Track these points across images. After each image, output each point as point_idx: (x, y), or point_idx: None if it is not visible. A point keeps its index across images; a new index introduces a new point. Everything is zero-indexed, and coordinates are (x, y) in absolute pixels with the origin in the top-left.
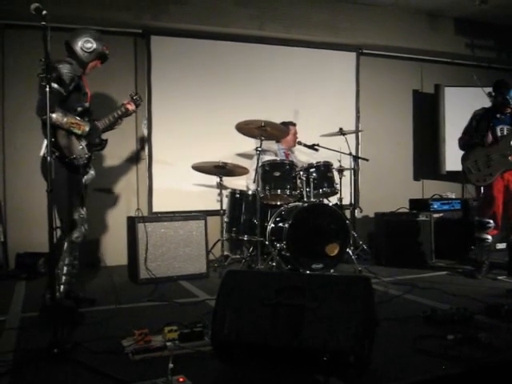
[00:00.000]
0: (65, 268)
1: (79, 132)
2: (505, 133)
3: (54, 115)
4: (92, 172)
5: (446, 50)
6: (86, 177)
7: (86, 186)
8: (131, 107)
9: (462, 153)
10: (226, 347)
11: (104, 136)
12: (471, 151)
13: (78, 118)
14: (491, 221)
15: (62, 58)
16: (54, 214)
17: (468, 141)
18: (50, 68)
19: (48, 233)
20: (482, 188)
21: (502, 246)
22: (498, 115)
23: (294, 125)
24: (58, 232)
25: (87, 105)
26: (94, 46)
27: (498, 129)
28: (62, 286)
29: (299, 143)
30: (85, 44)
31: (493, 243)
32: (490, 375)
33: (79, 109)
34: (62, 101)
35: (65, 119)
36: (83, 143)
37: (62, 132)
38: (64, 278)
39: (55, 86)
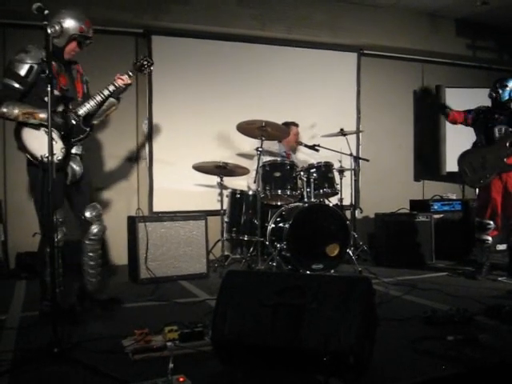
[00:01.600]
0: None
1: (35, 122)
2: (503, 132)
3: (4, 109)
4: (76, 167)
5: (447, 51)
6: (68, 174)
7: (80, 181)
8: (122, 82)
9: None
10: (226, 347)
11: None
12: (467, 154)
13: (30, 107)
14: (491, 222)
15: (22, 47)
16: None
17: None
18: (51, 68)
19: (46, 234)
20: (476, 190)
21: (502, 247)
22: (497, 115)
23: (297, 125)
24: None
25: (57, 92)
26: (61, 28)
27: (497, 129)
28: (56, 290)
29: (300, 143)
30: (49, 29)
31: (493, 244)
32: (490, 376)
33: (46, 99)
34: (22, 94)
35: (15, 111)
36: (57, 137)
37: (26, 128)
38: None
39: (8, 81)
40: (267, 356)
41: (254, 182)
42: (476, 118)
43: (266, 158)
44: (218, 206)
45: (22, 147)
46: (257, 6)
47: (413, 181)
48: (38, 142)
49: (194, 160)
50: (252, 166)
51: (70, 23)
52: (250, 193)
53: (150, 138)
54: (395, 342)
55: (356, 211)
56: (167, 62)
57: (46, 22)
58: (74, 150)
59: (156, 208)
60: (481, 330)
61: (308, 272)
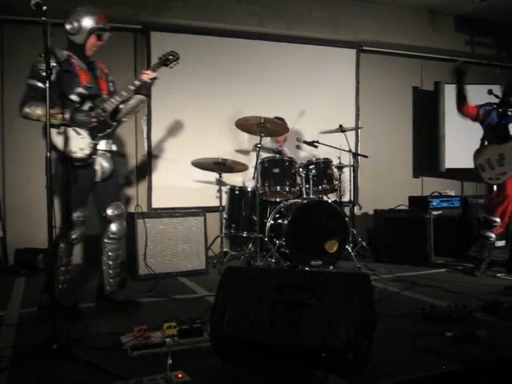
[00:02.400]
0: (62, 269)
1: (57, 122)
2: None
3: (27, 110)
4: (106, 164)
5: (446, 47)
6: (97, 171)
7: (110, 178)
8: (147, 76)
9: (461, 150)
10: (224, 343)
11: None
12: (484, 149)
13: (53, 108)
14: (498, 219)
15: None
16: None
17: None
18: (49, 64)
19: (47, 229)
20: (494, 186)
21: (501, 243)
22: (510, 112)
23: (282, 119)
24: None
25: (81, 89)
26: (79, 25)
27: (510, 127)
28: (60, 286)
29: (299, 140)
30: (68, 26)
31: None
32: (489, 372)
33: (73, 97)
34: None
35: (38, 112)
36: (84, 132)
37: (53, 126)
38: (61, 278)
39: (32, 81)
40: (266, 352)
41: (253, 178)
42: (488, 114)
43: (263, 155)
44: (216, 203)
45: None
46: (256, 2)
47: (412, 177)
48: (65, 139)
49: (193, 156)
50: (249, 162)
51: (86, 19)
52: (249, 189)
53: (148, 134)
54: (394, 338)
55: (355, 207)
56: None
57: (44, 18)
58: (103, 147)
59: (155, 204)
60: (479, 327)
61: (307, 268)
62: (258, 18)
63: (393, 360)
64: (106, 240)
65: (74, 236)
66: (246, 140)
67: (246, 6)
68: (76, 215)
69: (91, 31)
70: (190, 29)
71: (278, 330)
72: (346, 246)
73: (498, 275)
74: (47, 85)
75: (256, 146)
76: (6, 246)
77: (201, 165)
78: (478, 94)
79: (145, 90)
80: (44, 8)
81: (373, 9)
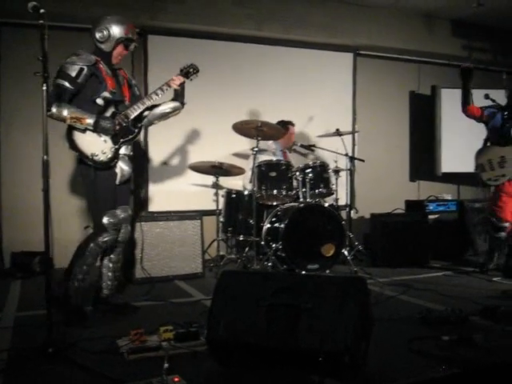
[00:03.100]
0: (84, 267)
1: (81, 126)
2: None
3: (54, 110)
4: (125, 167)
5: (442, 52)
6: (118, 174)
7: (126, 182)
8: (175, 82)
9: (458, 155)
10: (221, 347)
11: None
12: (486, 149)
13: (79, 112)
14: (507, 224)
15: (74, 51)
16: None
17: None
18: (47, 67)
19: (44, 232)
20: (491, 188)
21: None
22: None
23: (293, 124)
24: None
25: (107, 94)
26: (109, 33)
27: None
28: (75, 284)
29: (296, 143)
30: (97, 34)
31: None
32: (485, 376)
33: (98, 100)
34: (73, 94)
35: (64, 113)
36: (106, 136)
37: (77, 129)
38: (80, 276)
39: (60, 81)
40: (262, 356)
41: (250, 181)
42: (492, 116)
43: (263, 158)
44: (213, 206)
45: (74, 147)
46: (253, 6)
47: (408, 181)
48: (88, 141)
49: (190, 160)
50: (248, 165)
51: (115, 28)
52: (246, 193)
53: (145, 137)
54: (390, 342)
55: (351, 211)
56: (163, 61)
57: (41, 21)
58: (123, 151)
59: (151, 208)
60: (476, 331)
61: (303, 272)
62: (256, 22)
63: (389, 364)
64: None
65: (104, 239)
66: (246, 143)
67: (244, 9)
68: (107, 219)
69: (119, 41)
70: (188, 32)
71: (274, 334)
72: (343, 250)
73: (494, 279)
74: (44, 88)
75: (253, 149)
76: (3, 248)
77: (198, 168)
78: (474, 98)
79: (180, 96)
80: (41, 11)
81: (370, 13)
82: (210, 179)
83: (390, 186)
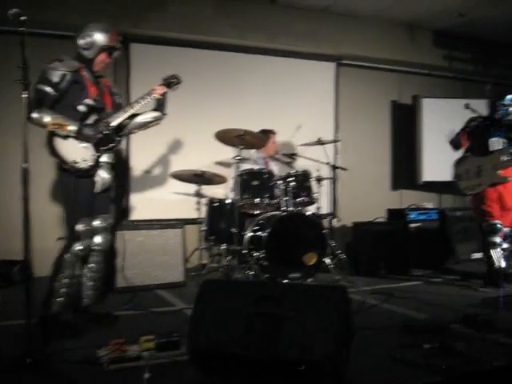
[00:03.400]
0: (64, 281)
1: (63, 133)
2: (498, 146)
3: (35, 115)
4: (106, 176)
5: (424, 62)
6: (98, 182)
7: (106, 190)
8: (158, 92)
9: (439, 163)
10: (202, 357)
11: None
12: (464, 159)
13: (61, 118)
14: (498, 222)
15: (56, 57)
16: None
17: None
18: (27, 75)
19: (23, 241)
20: (469, 197)
21: (477, 255)
22: (493, 127)
23: (274, 133)
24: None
25: (89, 101)
26: (92, 40)
27: (491, 141)
28: (59, 299)
29: (278, 152)
30: (81, 40)
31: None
32: None
33: (81, 107)
34: (54, 100)
35: (46, 119)
36: (87, 144)
37: (58, 135)
38: (62, 290)
39: (42, 86)
40: (244, 365)
41: (232, 190)
42: (474, 129)
43: (245, 166)
44: (195, 215)
45: (54, 153)
46: (236, 15)
47: (390, 190)
48: (69, 148)
49: (172, 168)
50: (230, 174)
51: (99, 36)
52: (228, 201)
53: (127, 145)
54: (372, 351)
55: (334, 220)
56: (145, 69)
57: (22, 29)
58: (104, 159)
59: (133, 216)
60: (457, 338)
61: (285, 281)
62: (239, 31)
63: (371, 372)
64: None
65: (79, 248)
66: (229, 152)
67: (227, 18)
68: (81, 226)
69: (103, 48)
70: (171, 41)
71: (255, 343)
72: (325, 259)
73: (475, 287)
74: (25, 95)
75: (235, 157)
76: None
77: (180, 176)
78: (454, 108)
79: (160, 106)
80: (22, 18)
81: (352, 23)
82: (192, 188)
83: (371, 194)
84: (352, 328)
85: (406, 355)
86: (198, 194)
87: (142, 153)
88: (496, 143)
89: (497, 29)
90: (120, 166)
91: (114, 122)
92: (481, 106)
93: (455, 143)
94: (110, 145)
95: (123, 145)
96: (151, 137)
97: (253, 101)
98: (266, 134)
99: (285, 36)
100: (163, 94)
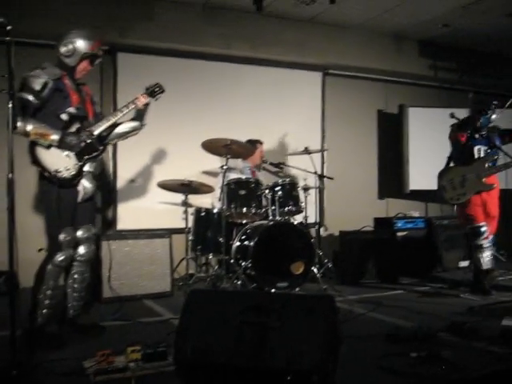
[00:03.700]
0: (48, 292)
1: (46, 143)
2: (482, 154)
3: (17, 124)
4: (88, 185)
5: (410, 71)
6: (80, 192)
7: (89, 200)
8: (141, 101)
9: (425, 172)
10: (189, 367)
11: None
12: (448, 170)
13: (43, 127)
14: (483, 224)
15: (38, 65)
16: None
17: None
18: (13, 84)
19: (8, 251)
20: (455, 206)
21: (464, 263)
22: (477, 135)
23: (261, 143)
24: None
25: (72, 109)
26: (74, 48)
27: (476, 149)
28: (44, 311)
29: (265, 161)
30: (62, 48)
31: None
32: None
33: (63, 116)
34: (36, 109)
35: (28, 128)
36: (70, 153)
37: (40, 144)
38: (47, 302)
39: (23, 94)
40: (231, 375)
41: (219, 200)
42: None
43: (232, 176)
44: (182, 224)
45: (36, 162)
46: (223, 25)
47: (377, 199)
48: (51, 156)
49: (159, 178)
50: (217, 183)
51: (81, 43)
52: (215, 211)
53: (114, 155)
54: (359, 360)
55: (321, 229)
56: (132, 79)
57: (8, 38)
58: (87, 168)
59: (120, 226)
60: (444, 347)
61: (273, 290)
62: (225, 41)
63: (358, 381)
64: (73, 263)
65: (61, 258)
66: (215, 161)
67: (214, 28)
68: (63, 236)
69: (84, 56)
70: (157, 50)
71: (242, 353)
72: (312, 268)
73: (462, 295)
74: (10, 105)
75: (222, 167)
76: None
77: (167, 186)
78: (440, 117)
79: (139, 117)
80: (8, 28)
81: (339, 33)
82: (179, 197)
83: (358, 203)
84: (339, 337)
85: (394, 364)
86: (185, 204)
87: (128, 162)
88: (478, 151)
89: (480, 39)
90: (107, 176)
91: (97, 131)
92: (465, 115)
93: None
94: (94, 153)
95: (110, 154)
96: (138, 146)
97: (240, 110)
98: (253, 143)
99: (272, 46)
100: (146, 105)
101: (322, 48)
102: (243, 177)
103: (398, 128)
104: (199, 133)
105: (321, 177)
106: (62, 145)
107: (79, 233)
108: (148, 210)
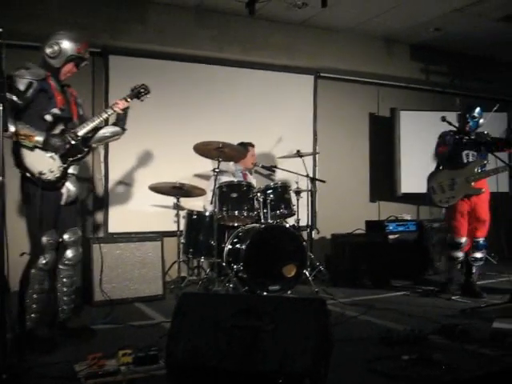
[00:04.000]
0: (34, 296)
1: (30, 144)
2: (470, 159)
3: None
4: (72, 188)
5: (401, 75)
6: (64, 194)
7: (73, 203)
8: (119, 106)
9: (416, 175)
10: (180, 370)
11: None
12: (438, 173)
13: (27, 129)
14: (463, 239)
15: (22, 64)
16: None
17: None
18: (4, 86)
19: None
20: (444, 209)
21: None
22: (465, 140)
23: (253, 146)
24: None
25: (57, 110)
26: (60, 49)
27: (464, 154)
28: (32, 315)
29: (257, 164)
30: (48, 49)
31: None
32: None
33: (47, 117)
34: (20, 110)
35: (11, 129)
36: (55, 155)
37: (24, 145)
38: (34, 306)
39: (7, 95)
40: (222, 379)
41: (211, 202)
42: (450, 142)
43: (223, 179)
44: (174, 227)
45: (20, 164)
46: (214, 28)
47: (368, 202)
48: (35, 158)
49: (151, 180)
50: (209, 186)
51: (67, 45)
52: (207, 214)
53: (106, 157)
54: (351, 363)
55: (313, 232)
56: (124, 82)
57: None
58: (70, 170)
59: (111, 229)
60: (435, 349)
61: (265, 293)
62: (218, 44)
63: None
64: (60, 266)
65: (44, 261)
66: (207, 164)
67: (205, 31)
68: (46, 239)
69: (70, 58)
70: (149, 53)
71: (234, 356)
72: (304, 271)
73: (453, 298)
74: (1, 107)
75: (214, 170)
76: None
77: (158, 189)
78: (431, 120)
79: (121, 121)
80: None
81: (331, 36)
82: (170, 200)
83: (350, 206)
84: (331, 340)
85: (385, 367)
86: (177, 207)
87: (120, 165)
88: (467, 156)
89: (472, 43)
90: (97, 179)
91: (82, 132)
92: (456, 119)
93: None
94: (78, 155)
95: (101, 157)
96: (129, 149)
97: (232, 113)
98: (245, 146)
99: (264, 49)
100: (124, 110)
101: (313, 51)
102: (235, 180)
103: (390, 131)
104: (191, 136)
105: (313, 180)
106: (46, 146)
107: (66, 236)
108: (139, 213)
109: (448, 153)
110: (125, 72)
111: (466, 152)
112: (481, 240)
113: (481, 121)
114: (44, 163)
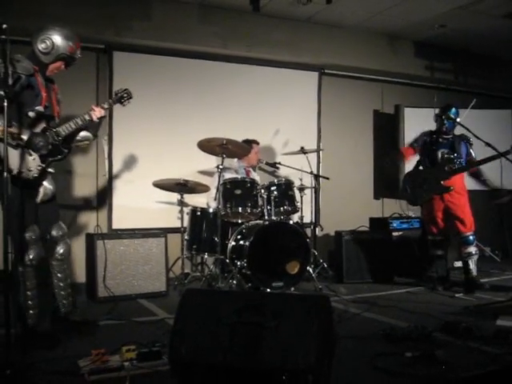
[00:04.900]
0: (28, 293)
1: (13, 142)
2: (445, 158)
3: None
4: (49, 186)
5: (406, 72)
6: (40, 193)
7: (51, 200)
8: (95, 114)
9: None
10: (184, 367)
11: None
12: (412, 172)
13: (12, 124)
14: (437, 238)
15: (12, 56)
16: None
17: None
18: (8, 82)
19: (3, 251)
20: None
21: (459, 263)
22: (441, 139)
23: (258, 143)
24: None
25: (41, 108)
26: (52, 46)
27: (440, 153)
28: (31, 312)
29: (261, 161)
30: (41, 44)
31: (451, 259)
32: None
33: (31, 113)
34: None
35: None
36: (34, 154)
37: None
38: (30, 303)
39: None
40: (225, 375)
41: (215, 199)
42: (423, 144)
43: (227, 176)
44: (178, 224)
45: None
46: (219, 24)
47: (372, 199)
48: (14, 155)
49: (155, 177)
50: (212, 183)
51: (61, 42)
52: (211, 210)
53: (110, 154)
54: (354, 360)
55: (316, 229)
56: (128, 78)
57: (3, 37)
58: (49, 169)
59: (115, 225)
60: (438, 347)
61: (268, 290)
62: (222, 40)
63: (353, 381)
64: (53, 262)
65: (31, 256)
66: (211, 161)
67: (209, 27)
68: (29, 235)
69: (61, 56)
70: (153, 49)
71: (237, 353)
72: (308, 268)
73: (456, 295)
74: (5, 103)
75: (218, 166)
76: None
77: (162, 185)
78: (429, 117)
79: (92, 127)
80: (4, 26)
81: (335, 33)
82: (174, 196)
83: (354, 203)
84: (334, 337)
85: (388, 364)
86: (181, 203)
87: (124, 162)
88: (442, 155)
89: (477, 39)
90: (101, 175)
91: (64, 133)
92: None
93: (391, 162)
94: (59, 156)
95: (105, 154)
96: (133, 145)
97: (236, 110)
98: (249, 144)
99: (268, 45)
100: (100, 119)
101: (318, 48)
102: (239, 176)
103: (394, 128)
104: (195, 132)
105: (316, 177)
106: (30, 145)
107: (53, 232)
108: (143, 210)
109: (420, 154)
110: (129, 68)
111: (440, 151)
112: (468, 235)
113: (457, 119)
114: (23, 162)
